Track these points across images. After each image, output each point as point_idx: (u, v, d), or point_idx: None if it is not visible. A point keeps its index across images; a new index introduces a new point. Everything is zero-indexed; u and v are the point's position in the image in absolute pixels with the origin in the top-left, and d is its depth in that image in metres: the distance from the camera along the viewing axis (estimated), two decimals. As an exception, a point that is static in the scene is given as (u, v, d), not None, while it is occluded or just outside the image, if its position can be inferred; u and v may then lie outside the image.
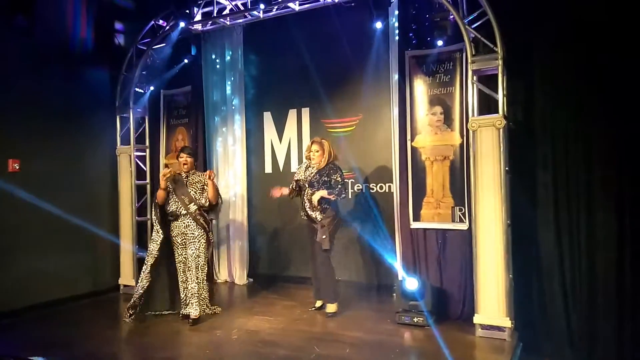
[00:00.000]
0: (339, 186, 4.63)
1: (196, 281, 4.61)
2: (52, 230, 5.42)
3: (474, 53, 4.21)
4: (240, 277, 6.30)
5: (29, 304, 5.10)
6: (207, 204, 4.68)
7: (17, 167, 5.14)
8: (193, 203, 4.61)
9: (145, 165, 6.33)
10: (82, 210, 5.75)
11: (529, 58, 4.40)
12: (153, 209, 4.79)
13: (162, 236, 4.67)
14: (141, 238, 6.19)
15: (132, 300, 4.70)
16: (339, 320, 4.63)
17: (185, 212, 4.60)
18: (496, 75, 4.12)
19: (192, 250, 4.61)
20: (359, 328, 4.39)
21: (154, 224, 4.76)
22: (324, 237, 4.58)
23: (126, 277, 6.06)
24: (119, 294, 6.02)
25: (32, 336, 4.49)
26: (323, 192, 4.58)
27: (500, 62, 4.08)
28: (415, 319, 4.38)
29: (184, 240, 4.65)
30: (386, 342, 4.08)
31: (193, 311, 4.58)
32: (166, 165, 4.73)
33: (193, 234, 4.62)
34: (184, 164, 4.67)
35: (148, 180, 6.34)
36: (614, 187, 4.06)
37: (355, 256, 5.79)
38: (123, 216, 6.10)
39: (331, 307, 4.75)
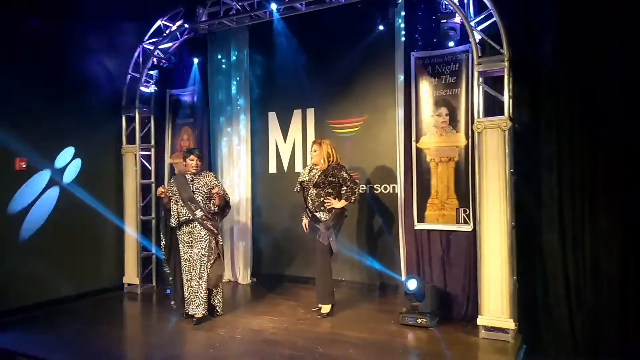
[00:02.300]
0: (348, 183, 4.63)
1: (198, 280, 4.58)
2: (57, 228, 5.45)
3: (480, 55, 4.21)
4: (244, 277, 6.31)
5: (33, 302, 5.14)
6: (214, 209, 4.64)
7: (24, 166, 5.18)
8: (200, 209, 4.58)
9: (150, 165, 6.35)
10: (87, 208, 5.80)
11: (534, 59, 4.39)
12: (162, 213, 4.78)
13: (165, 242, 4.74)
14: (146, 237, 6.22)
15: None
16: (342, 321, 4.64)
17: (192, 217, 4.57)
18: (502, 77, 4.12)
19: (197, 249, 4.59)
20: (362, 328, 4.40)
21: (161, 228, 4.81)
22: (331, 239, 4.59)
23: (130, 275, 6.09)
24: (123, 293, 6.05)
25: (37, 334, 4.51)
26: (341, 203, 4.60)
27: (506, 63, 4.08)
28: (419, 320, 4.38)
29: (191, 239, 4.62)
30: (389, 342, 4.08)
31: (194, 310, 4.58)
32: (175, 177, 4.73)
33: (200, 233, 4.59)
34: (193, 167, 4.60)
35: (153, 180, 6.34)
36: (618, 189, 4.05)
37: (359, 256, 5.79)
38: (128, 215, 6.12)
39: (324, 308, 4.75)
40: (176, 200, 4.61)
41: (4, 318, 4.80)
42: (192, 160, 4.61)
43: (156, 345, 4.22)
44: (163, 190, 4.60)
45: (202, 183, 4.63)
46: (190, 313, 4.62)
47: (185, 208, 4.57)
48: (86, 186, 5.80)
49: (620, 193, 4.04)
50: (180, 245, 4.67)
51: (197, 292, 4.59)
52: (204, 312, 4.60)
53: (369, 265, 5.69)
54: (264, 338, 4.21)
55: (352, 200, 4.68)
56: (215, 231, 4.66)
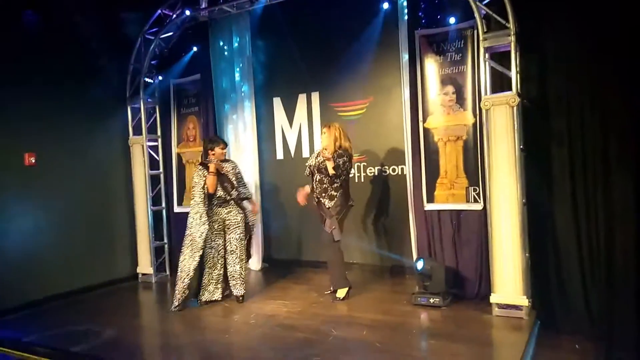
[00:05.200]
0: (340, 166, 4.53)
1: (240, 263, 4.81)
2: (69, 222, 5.51)
3: (485, 30, 4.13)
4: (256, 263, 6.35)
5: (49, 294, 5.22)
6: (240, 191, 4.87)
7: (34, 161, 5.22)
8: (234, 189, 4.79)
9: (157, 155, 6.37)
10: (98, 201, 5.86)
11: (541, 32, 4.28)
12: (199, 199, 4.60)
13: (207, 227, 4.60)
14: (157, 227, 6.27)
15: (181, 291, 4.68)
16: (356, 303, 4.66)
17: (230, 197, 4.75)
18: (509, 52, 4.04)
19: (236, 234, 4.79)
20: (375, 310, 4.42)
21: (200, 215, 4.57)
22: (333, 227, 4.59)
23: (144, 265, 6.15)
24: (137, 283, 6.13)
25: (54, 325, 4.56)
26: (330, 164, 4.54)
27: (512, 38, 3.99)
28: (432, 300, 4.39)
29: (222, 227, 4.78)
30: (403, 323, 4.10)
31: (240, 291, 4.83)
32: (207, 163, 4.74)
33: (236, 219, 4.79)
34: (224, 155, 4.81)
35: (161, 170, 6.38)
36: (631, 161, 3.97)
37: (370, 239, 5.80)
38: (138, 206, 6.16)
39: (340, 293, 4.77)
40: (202, 186, 4.64)
41: (19, 312, 4.88)
42: (224, 149, 4.79)
43: (172, 333, 4.28)
44: (215, 168, 4.64)
45: (230, 167, 4.85)
46: (237, 294, 4.83)
47: (221, 189, 4.71)
48: (96, 179, 5.85)
49: (633, 166, 3.96)
50: (208, 233, 4.66)
51: (240, 275, 4.83)
52: (243, 292, 4.87)
53: (380, 248, 5.70)
54: (279, 322, 4.24)
55: (334, 170, 4.51)
56: (244, 211, 4.93)
